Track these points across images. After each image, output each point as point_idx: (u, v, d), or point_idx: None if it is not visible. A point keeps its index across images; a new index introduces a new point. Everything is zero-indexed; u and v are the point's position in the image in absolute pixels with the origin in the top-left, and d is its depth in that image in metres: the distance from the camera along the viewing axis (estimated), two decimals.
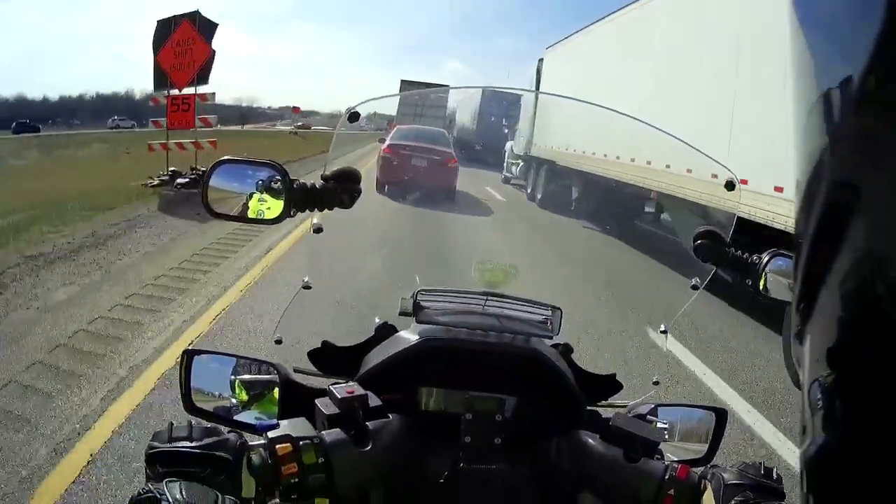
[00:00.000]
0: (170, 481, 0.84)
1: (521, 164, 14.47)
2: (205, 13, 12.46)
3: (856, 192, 0.37)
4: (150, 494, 0.81)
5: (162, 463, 0.89)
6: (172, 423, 0.93)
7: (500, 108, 23.93)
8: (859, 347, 0.38)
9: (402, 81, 33.42)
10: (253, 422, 1.19)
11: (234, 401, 1.24)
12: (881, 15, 0.34)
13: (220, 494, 0.84)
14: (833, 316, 0.39)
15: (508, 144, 15.40)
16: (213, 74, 12.68)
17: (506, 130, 20.18)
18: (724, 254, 1.34)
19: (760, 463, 1.06)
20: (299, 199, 1.16)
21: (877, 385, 0.36)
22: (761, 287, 1.30)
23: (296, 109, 52.10)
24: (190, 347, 1.23)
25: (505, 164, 13.80)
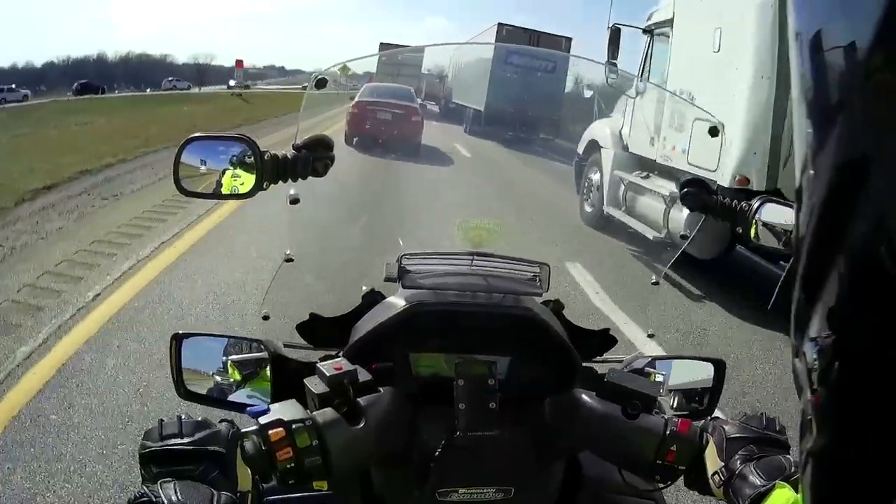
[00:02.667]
0: (164, 482, 0.83)
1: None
2: None
3: (863, 159, 0.36)
4: (145, 498, 0.80)
5: (155, 462, 0.87)
6: (162, 420, 0.91)
7: (529, 68, 19.61)
8: (862, 317, 0.37)
9: (381, 44, 32.81)
10: (247, 401, 1.18)
11: (227, 381, 1.24)
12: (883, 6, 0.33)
13: (215, 491, 0.83)
14: (837, 287, 0.37)
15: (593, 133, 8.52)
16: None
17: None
18: (712, 202, 1.32)
19: (762, 414, 1.05)
20: (271, 171, 1.13)
21: (880, 370, 0.35)
22: (752, 235, 1.27)
23: (239, 64, 42.85)
24: (178, 332, 1.20)
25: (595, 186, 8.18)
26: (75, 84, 62.03)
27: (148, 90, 66.57)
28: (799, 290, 0.40)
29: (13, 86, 54.92)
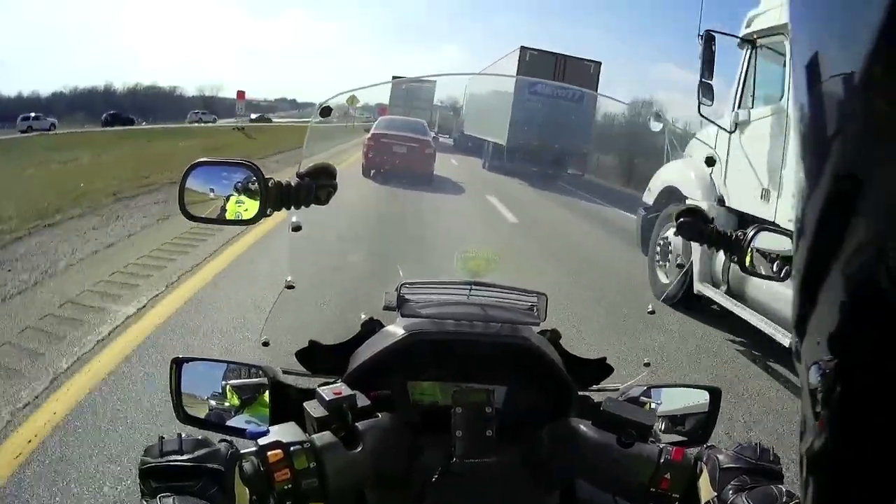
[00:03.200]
0: (164, 496, 0.84)
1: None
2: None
3: (858, 180, 0.37)
4: None
5: (155, 478, 0.88)
6: (163, 438, 0.92)
7: (555, 97, 18.10)
8: (861, 335, 0.37)
9: (393, 77, 31.85)
10: (245, 426, 1.18)
11: (226, 406, 1.24)
12: (884, 1, 0.33)
13: None
14: (835, 303, 0.38)
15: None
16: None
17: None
18: (708, 230, 1.34)
19: (757, 444, 1.04)
20: (275, 198, 1.14)
21: (878, 374, 0.36)
22: (747, 263, 1.29)
23: (240, 95, 37.12)
24: (178, 356, 1.22)
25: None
26: (104, 115, 61.66)
27: (162, 122, 66.03)
28: (798, 296, 0.41)
29: (40, 114, 54.72)
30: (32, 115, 54.10)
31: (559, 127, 16.87)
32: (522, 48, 20.26)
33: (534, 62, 19.96)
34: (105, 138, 31.59)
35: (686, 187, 6.26)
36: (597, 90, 19.60)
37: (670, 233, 6.12)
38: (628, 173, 19.54)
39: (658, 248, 6.51)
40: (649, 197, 6.89)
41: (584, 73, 20.04)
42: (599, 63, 20.54)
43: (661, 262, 6.41)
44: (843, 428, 0.39)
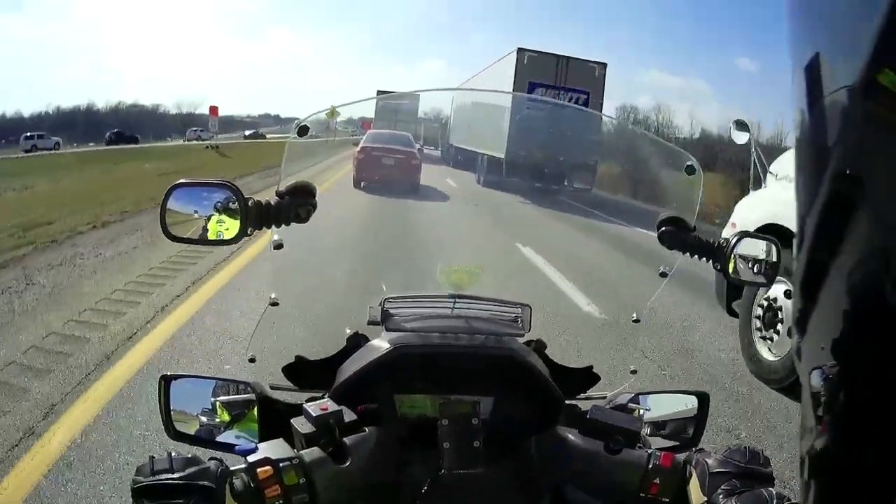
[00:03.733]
0: None
1: None
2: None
3: (861, 183, 0.37)
4: None
5: (148, 497, 0.90)
6: (153, 457, 0.93)
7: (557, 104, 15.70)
8: (862, 337, 0.38)
9: (378, 91, 31.54)
10: (235, 442, 1.20)
11: (215, 422, 1.25)
12: (884, 6, 0.33)
13: None
14: (836, 305, 0.39)
15: None
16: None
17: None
18: (690, 239, 1.34)
19: (746, 447, 1.05)
20: (255, 217, 1.14)
21: (879, 377, 0.36)
22: (730, 270, 1.29)
23: (213, 111, 33.90)
24: (167, 374, 1.22)
25: None
26: (108, 133, 61.15)
27: (165, 140, 65.65)
28: (799, 299, 0.42)
29: (44, 133, 54.65)
30: (37, 134, 53.83)
31: (563, 137, 14.35)
32: (520, 50, 18.46)
33: (533, 64, 18.07)
34: (115, 156, 31.12)
35: None
36: (603, 94, 18.38)
37: (779, 292, 4.52)
38: (634, 185, 17.25)
39: (758, 314, 4.74)
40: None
41: (588, 75, 18.34)
42: (605, 64, 18.58)
43: (763, 333, 4.69)
44: (844, 431, 0.39)
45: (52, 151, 43.47)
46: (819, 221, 0.39)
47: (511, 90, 17.79)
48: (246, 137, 55.71)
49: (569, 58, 18.34)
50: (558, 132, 13.75)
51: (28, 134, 54.10)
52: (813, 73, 0.40)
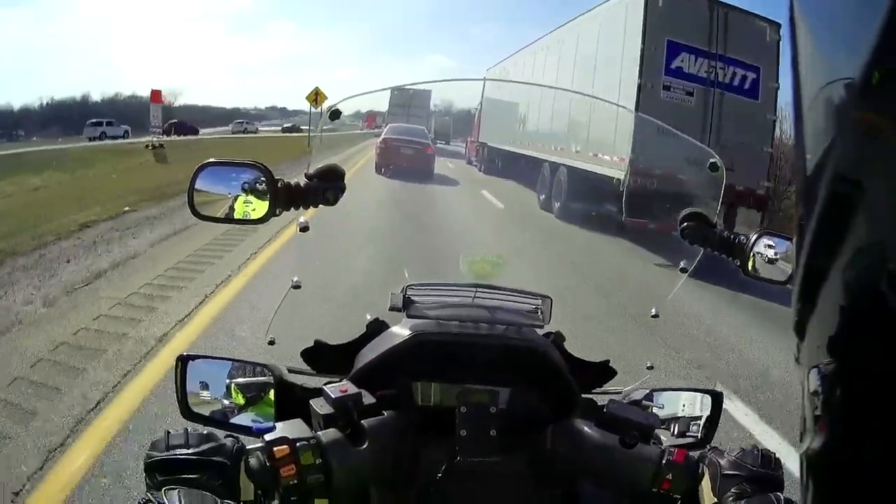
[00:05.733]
0: (169, 489, 0.86)
1: None
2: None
3: (858, 183, 0.37)
4: (149, 503, 0.82)
5: (161, 471, 0.91)
6: (169, 432, 0.95)
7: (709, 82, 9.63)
8: (861, 338, 0.38)
9: (392, 88, 30.62)
10: (250, 424, 1.20)
11: (230, 404, 1.25)
12: (884, 6, 0.33)
13: (218, 500, 0.86)
14: (834, 304, 0.39)
15: None
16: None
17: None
18: (712, 235, 1.34)
19: (758, 450, 1.06)
20: (284, 198, 1.15)
21: (878, 377, 0.36)
22: (749, 268, 1.30)
23: (155, 96, 24.49)
24: (183, 354, 1.23)
25: None
26: (165, 123, 55.82)
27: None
28: (798, 299, 0.42)
29: (112, 120, 49.65)
30: (105, 121, 48.59)
31: (729, 144, 9.23)
32: None
33: (674, 11, 9.81)
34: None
35: None
36: (778, 69, 10.17)
37: None
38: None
39: None
40: None
41: (757, 39, 10.25)
42: (778, 25, 10.04)
43: None
44: (843, 431, 0.39)
45: (122, 140, 38.80)
46: (817, 221, 0.39)
47: (636, 56, 9.80)
48: (283, 130, 53.82)
49: (729, 7, 10.24)
50: (721, 134, 9.50)
51: (94, 120, 48.25)
52: (812, 74, 0.40)
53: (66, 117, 72.56)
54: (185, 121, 55.38)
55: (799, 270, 0.41)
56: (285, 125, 68.16)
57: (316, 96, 24.43)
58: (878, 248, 0.36)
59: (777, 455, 1.06)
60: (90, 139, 40.95)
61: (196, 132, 51.05)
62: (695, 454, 1.10)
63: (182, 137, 39.10)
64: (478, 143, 19.41)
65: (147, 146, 24.27)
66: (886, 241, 0.36)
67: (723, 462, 1.04)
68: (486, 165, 17.57)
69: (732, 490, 1.01)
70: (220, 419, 1.24)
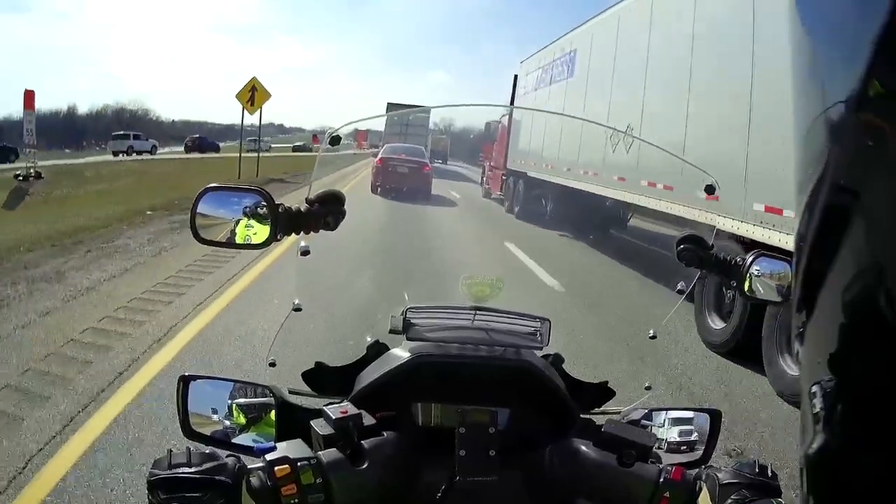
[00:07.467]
0: None
1: None
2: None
3: (857, 196, 0.37)
4: None
5: (164, 489, 0.92)
6: (171, 451, 0.96)
7: None
8: (859, 351, 0.38)
9: (389, 104, 29.32)
10: (251, 444, 1.21)
11: (232, 424, 1.26)
12: (884, 15, 0.34)
13: None
14: (833, 320, 0.39)
15: None
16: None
17: None
18: (708, 257, 1.36)
19: (755, 461, 1.07)
20: (285, 223, 1.17)
21: (877, 389, 0.37)
22: (746, 289, 1.31)
23: (28, 99, 17.47)
24: (185, 374, 1.24)
25: None
26: (187, 139, 55.79)
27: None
28: (799, 293, 0.42)
29: (140, 133, 48.36)
30: (133, 134, 47.10)
31: None
32: None
33: None
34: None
35: None
36: None
37: None
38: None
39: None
40: None
41: None
42: None
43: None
44: (843, 439, 0.39)
45: (150, 155, 37.13)
46: (816, 234, 0.40)
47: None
48: (294, 150, 52.53)
49: None
50: None
51: (120, 133, 46.90)
52: (812, 86, 0.41)
53: (52, 130, 71.30)
54: (206, 138, 55.64)
55: (799, 281, 0.42)
56: (296, 143, 67.43)
57: (252, 93, 17.38)
58: (877, 264, 0.36)
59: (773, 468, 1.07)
60: (115, 153, 39.16)
61: (217, 149, 50.53)
62: (692, 472, 1.11)
63: (202, 155, 38.47)
64: (505, 171, 14.33)
65: (17, 176, 17.62)
66: (885, 256, 0.36)
67: (720, 475, 1.06)
68: (524, 206, 12.91)
69: (732, 498, 1.02)
70: (221, 439, 1.24)
